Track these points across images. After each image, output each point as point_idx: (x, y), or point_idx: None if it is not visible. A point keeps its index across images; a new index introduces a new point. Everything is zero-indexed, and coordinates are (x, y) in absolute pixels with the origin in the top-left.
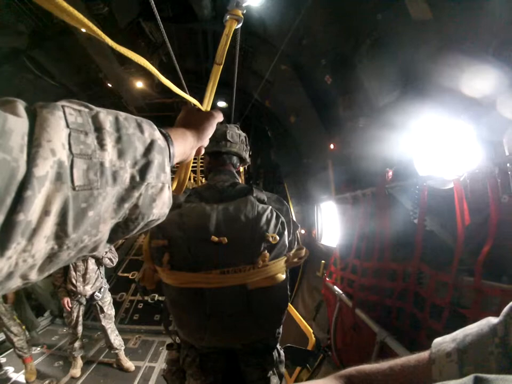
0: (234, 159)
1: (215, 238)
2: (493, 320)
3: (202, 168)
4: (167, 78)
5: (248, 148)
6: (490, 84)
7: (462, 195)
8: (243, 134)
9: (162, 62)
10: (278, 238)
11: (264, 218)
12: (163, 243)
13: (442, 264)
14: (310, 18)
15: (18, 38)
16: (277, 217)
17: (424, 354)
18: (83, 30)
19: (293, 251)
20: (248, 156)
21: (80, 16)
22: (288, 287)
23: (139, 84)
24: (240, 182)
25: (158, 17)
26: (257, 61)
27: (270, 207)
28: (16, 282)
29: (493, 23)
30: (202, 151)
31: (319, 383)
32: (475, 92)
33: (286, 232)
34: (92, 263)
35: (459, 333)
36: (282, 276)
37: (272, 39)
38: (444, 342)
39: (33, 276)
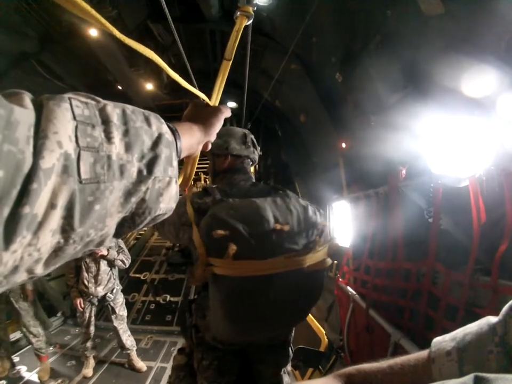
0: (247, 162)
1: (278, 226)
2: (493, 319)
3: (205, 170)
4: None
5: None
6: (504, 79)
7: (477, 193)
8: (254, 138)
9: (171, 63)
10: (328, 224)
11: (310, 210)
12: (225, 233)
13: (457, 264)
14: (319, 16)
15: (27, 42)
16: (318, 210)
17: (423, 353)
18: (93, 30)
19: (330, 241)
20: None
21: (89, 8)
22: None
23: (148, 86)
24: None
25: (169, 17)
26: (266, 60)
27: (307, 202)
28: (21, 276)
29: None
30: (209, 146)
31: (319, 382)
32: (488, 87)
33: (328, 223)
34: (104, 264)
35: (459, 332)
36: (329, 261)
37: (281, 37)
38: (444, 341)
39: (39, 270)
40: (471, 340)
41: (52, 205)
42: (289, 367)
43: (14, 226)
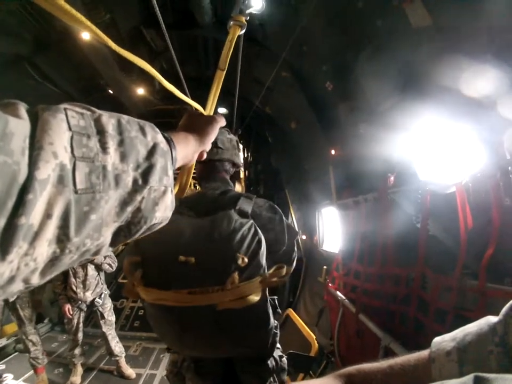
0: (227, 165)
1: (182, 258)
2: (493, 319)
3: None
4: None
5: (240, 150)
6: (491, 85)
7: (464, 199)
8: (234, 138)
9: (163, 68)
10: (246, 261)
11: (238, 236)
12: (136, 260)
13: (446, 268)
14: (311, 25)
15: (21, 44)
16: (254, 235)
17: (424, 354)
18: (86, 34)
19: (271, 270)
20: (240, 159)
21: (83, 19)
22: (267, 305)
23: (140, 91)
24: (240, 187)
25: (163, 24)
26: (257, 67)
27: (250, 222)
28: (18, 286)
29: (493, 24)
30: (204, 156)
31: (319, 382)
32: (476, 94)
33: (261, 251)
34: (91, 269)
35: (459, 332)
36: (255, 298)
37: (273, 45)
38: (444, 341)
39: (35, 280)
40: (471, 340)
41: (47, 215)
42: (283, 376)
43: (10, 236)
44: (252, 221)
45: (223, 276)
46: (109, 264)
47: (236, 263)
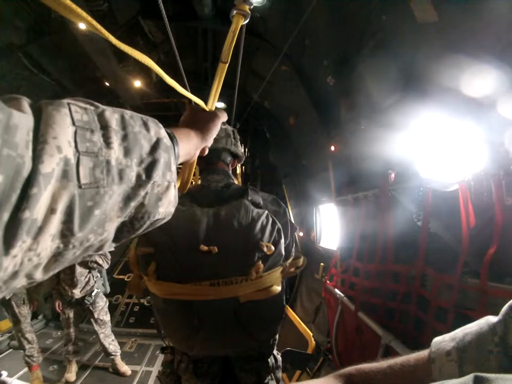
0: (223, 155)
1: (204, 247)
2: (492, 319)
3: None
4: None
5: (239, 142)
6: (492, 84)
7: (467, 197)
8: (230, 128)
9: (160, 60)
10: (273, 248)
11: (259, 225)
12: (149, 251)
13: (446, 266)
14: (313, 18)
15: (15, 33)
16: (273, 224)
17: (423, 353)
18: (83, 25)
19: (289, 260)
20: (241, 150)
21: (81, 11)
22: (284, 297)
23: (137, 83)
24: (236, 182)
25: (165, 15)
26: (256, 61)
27: (266, 212)
28: (21, 282)
29: (498, 25)
30: (206, 151)
31: (318, 383)
32: (478, 93)
33: (282, 240)
34: (78, 267)
35: (458, 332)
36: (278, 288)
37: (274, 38)
38: (443, 341)
39: (38, 275)
40: (470, 340)
41: (51, 210)
42: (279, 374)
43: (14, 231)
44: (266, 211)
45: (246, 266)
46: (97, 263)
47: (261, 251)
